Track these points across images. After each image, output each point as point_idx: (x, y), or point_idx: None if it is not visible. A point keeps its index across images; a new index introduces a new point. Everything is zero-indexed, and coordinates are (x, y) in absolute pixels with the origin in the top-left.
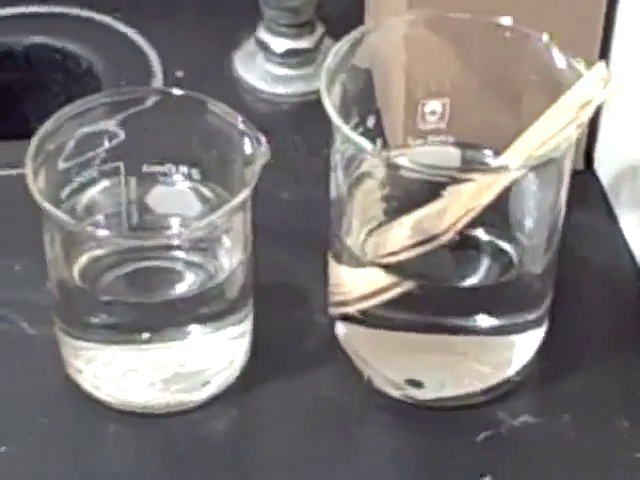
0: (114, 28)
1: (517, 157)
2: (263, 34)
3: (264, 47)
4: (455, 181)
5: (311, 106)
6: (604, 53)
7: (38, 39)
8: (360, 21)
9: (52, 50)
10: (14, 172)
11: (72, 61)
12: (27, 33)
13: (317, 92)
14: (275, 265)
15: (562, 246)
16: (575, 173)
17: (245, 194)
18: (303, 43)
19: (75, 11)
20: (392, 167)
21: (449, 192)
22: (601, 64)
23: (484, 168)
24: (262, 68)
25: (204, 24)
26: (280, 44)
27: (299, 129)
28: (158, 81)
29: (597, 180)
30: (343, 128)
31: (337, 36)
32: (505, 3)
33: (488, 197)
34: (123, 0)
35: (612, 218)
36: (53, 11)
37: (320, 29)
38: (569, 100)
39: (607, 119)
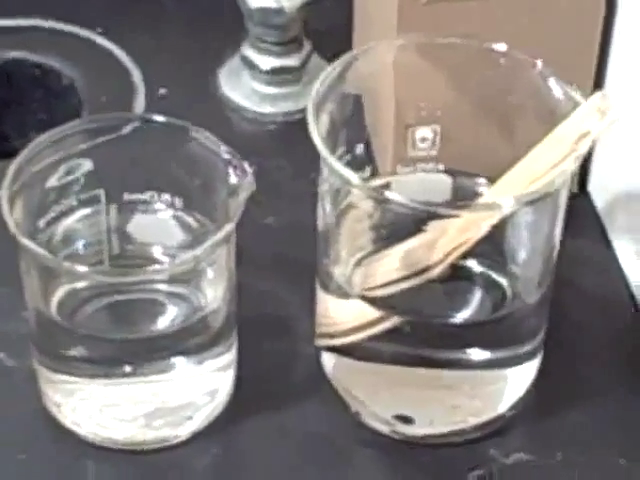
0: (96, 43)
1: (510, 190)
2: (249, 51)
3: (250, 65)
4: (443, 217)
5: (298, 125)
6: (599, 76)
7: (18, 54)
8: (348, 37)
9: (32, 66)
10: None
11: (53, 77)
12: (6, 48)
13: (304, 111)
14: (259, 293)
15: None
16: (569, 197)
17: (229, 227)
18: (290, 60)
19: (56, 25)
20: (377, 200)
21: (440, 224)
22: (598, 94)
23: (474, 205)
24: (248, 86)
25: (188, 41)
26: (266, 62)
27: (285, 149)
28: (140, 99)
29: (591, 204)
30: (329, 160)
31: (325, 53)
32: (498, 27)
33: (481, 230)
34: (106, 15)
35: (606, 242)
36: (33, 25)
37: (307, 46)
38: (565, 131)
39: (601, 142)
